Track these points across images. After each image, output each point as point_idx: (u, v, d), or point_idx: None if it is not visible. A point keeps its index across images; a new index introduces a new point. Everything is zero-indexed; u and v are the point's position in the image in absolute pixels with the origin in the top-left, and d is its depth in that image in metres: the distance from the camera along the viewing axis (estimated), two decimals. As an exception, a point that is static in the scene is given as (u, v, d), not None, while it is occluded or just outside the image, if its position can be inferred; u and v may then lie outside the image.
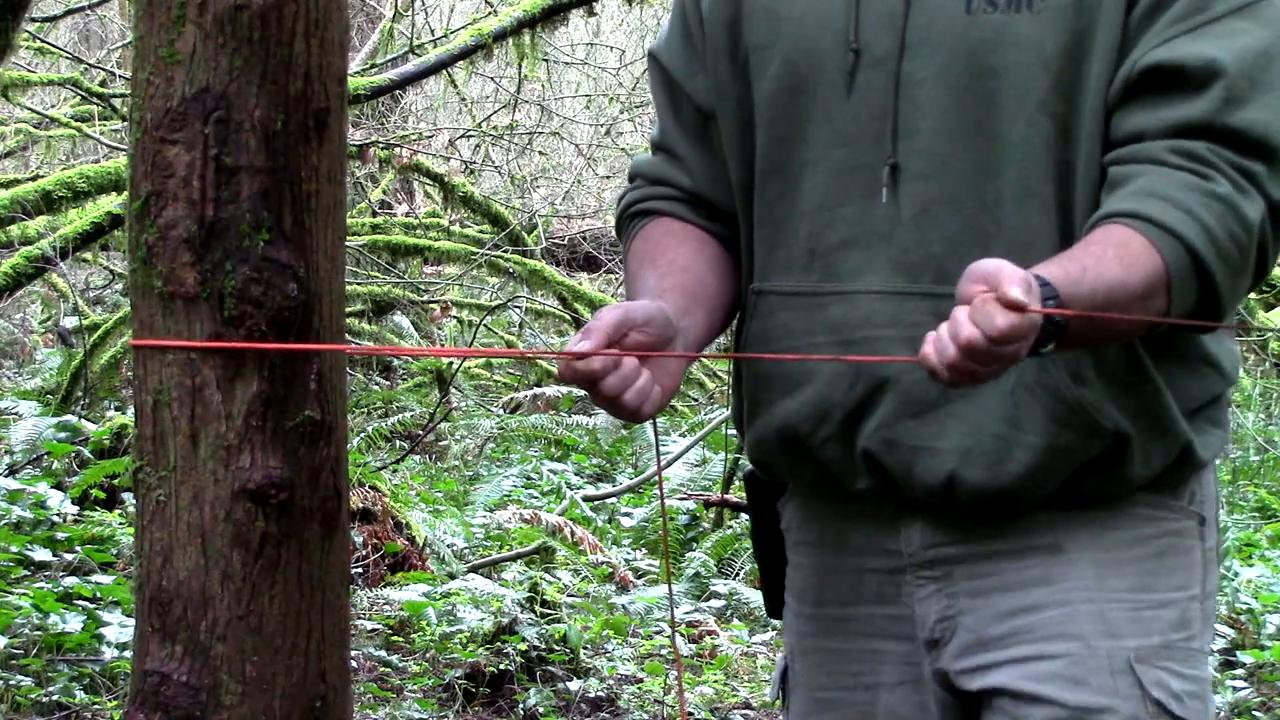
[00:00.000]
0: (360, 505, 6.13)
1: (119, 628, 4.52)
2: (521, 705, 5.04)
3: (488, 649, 5.27)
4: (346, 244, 1.90)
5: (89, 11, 10.11)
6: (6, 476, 5.89)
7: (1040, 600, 1.81)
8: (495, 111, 12.10)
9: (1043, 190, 1.77)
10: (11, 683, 4.31)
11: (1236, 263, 1.72)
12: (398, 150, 9.27)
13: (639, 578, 6.80)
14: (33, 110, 9.81)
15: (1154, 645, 1.81)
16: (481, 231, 10.43)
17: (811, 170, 1.85)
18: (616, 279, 12.32)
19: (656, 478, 8.10)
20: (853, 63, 1.82)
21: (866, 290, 1.80)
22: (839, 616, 1.92)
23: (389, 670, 5.30)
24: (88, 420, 7.32)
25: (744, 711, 5.20)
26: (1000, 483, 1.77)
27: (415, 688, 5.15)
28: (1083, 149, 1.77)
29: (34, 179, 8.06)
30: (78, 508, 5.61)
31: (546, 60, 11.29)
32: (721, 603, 6.47)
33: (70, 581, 4.80)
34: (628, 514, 7.79)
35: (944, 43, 1.78)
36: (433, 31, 9.53)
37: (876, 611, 1.89)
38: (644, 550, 7.29)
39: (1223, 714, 4.92)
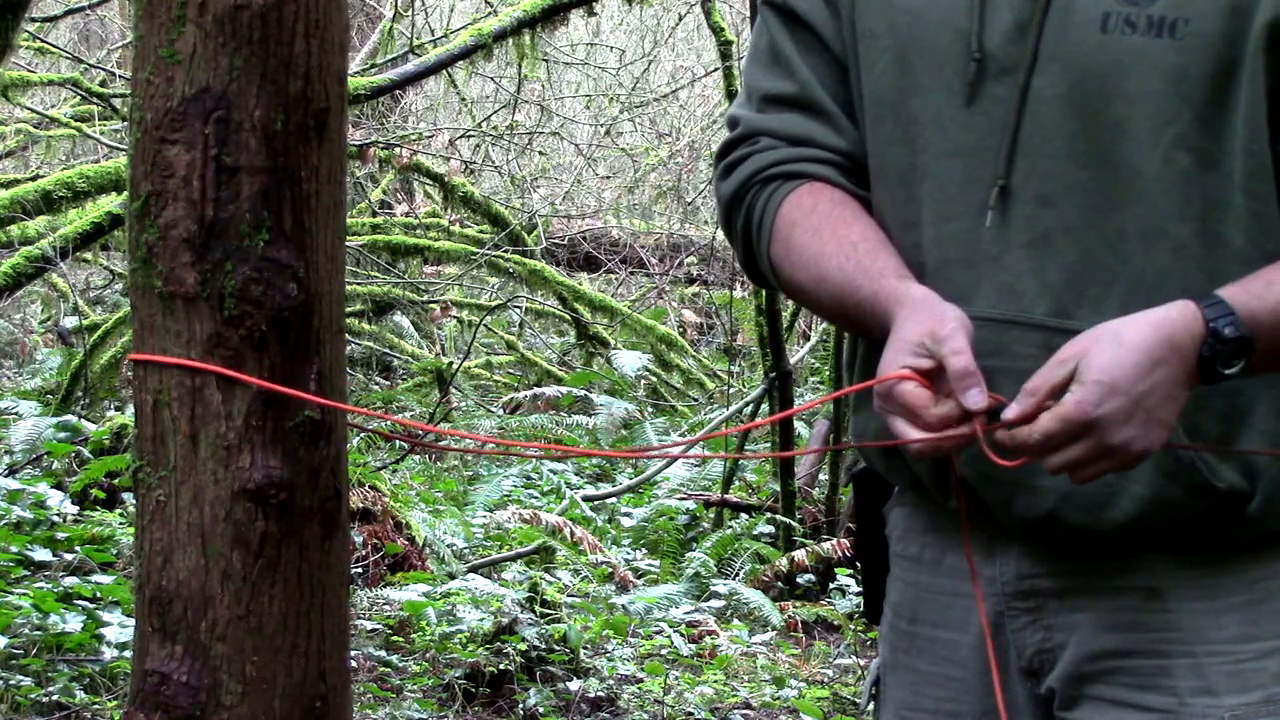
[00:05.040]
0: (360, 505, 6.13)
1: (119, 628, 4.52)
2: (521, 705, 5.03)
3: (488, 649, 5.26)
4: (346, 244, 1.90)
5: (89, 11, 10.11)
6: (6, 476, 5.89)
7: (1134, 646, 1.72)
8: (495, 111, 12.10)
9: (1175, 231, 1.64)
10: (11, 683, 4.30)
11: None
12: (398, 150, 9.27)
13: (639, 578, 6.80)
14: (33, 110, 9.81)
15: (1254, 702, 1.69)
16: (481, 231, 10.44)
17: (920, 179, 1.73)
18: (616, 279, 12.32)
19: (657, 475, 8.11)
20: (975, 72, 1.69)
21: (970, 315, 1.65)
22: (930, 638, 1.85)
23: (389, 670, 5.30)
24: (88, 420, 7.32)
25: (744, 711, 5.19)
26: (1101, 527, 1.68)
27: (415, 688, 5.14)
28: (1238, 185, 1.64)
29: (34, 179, 8.07)
30: (78, 508, 5.61)
31: (546, 60, 11.29)
32: (721, 603, 6.46)
33: (70, 581, 4.80)
34: (628, 514, 7.79)
35: (1075, 60, 1.65)
36: (433, 31, 9.55)
37: (961, 638, 1.81)
38: (644, 550, 7.28)
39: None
